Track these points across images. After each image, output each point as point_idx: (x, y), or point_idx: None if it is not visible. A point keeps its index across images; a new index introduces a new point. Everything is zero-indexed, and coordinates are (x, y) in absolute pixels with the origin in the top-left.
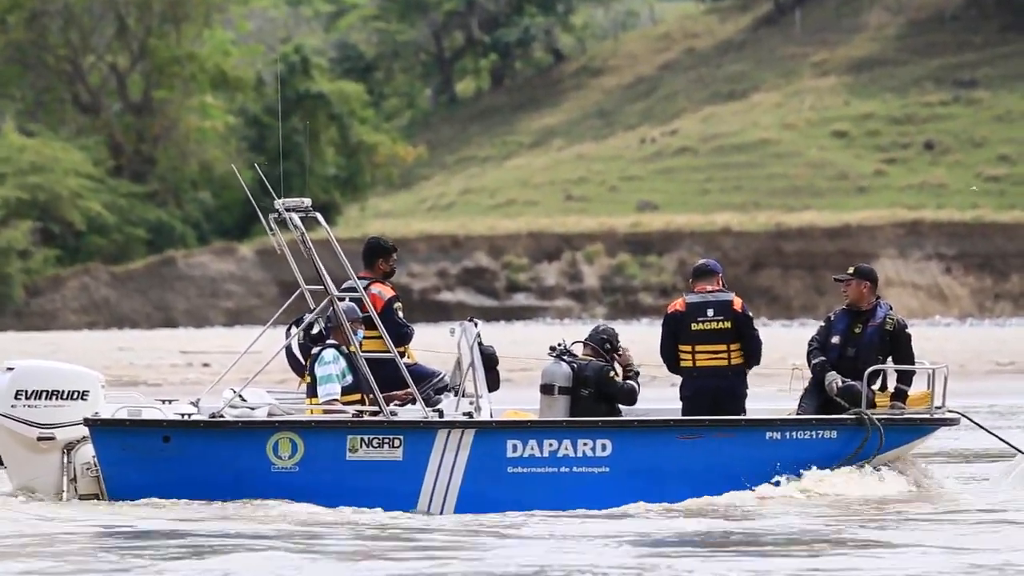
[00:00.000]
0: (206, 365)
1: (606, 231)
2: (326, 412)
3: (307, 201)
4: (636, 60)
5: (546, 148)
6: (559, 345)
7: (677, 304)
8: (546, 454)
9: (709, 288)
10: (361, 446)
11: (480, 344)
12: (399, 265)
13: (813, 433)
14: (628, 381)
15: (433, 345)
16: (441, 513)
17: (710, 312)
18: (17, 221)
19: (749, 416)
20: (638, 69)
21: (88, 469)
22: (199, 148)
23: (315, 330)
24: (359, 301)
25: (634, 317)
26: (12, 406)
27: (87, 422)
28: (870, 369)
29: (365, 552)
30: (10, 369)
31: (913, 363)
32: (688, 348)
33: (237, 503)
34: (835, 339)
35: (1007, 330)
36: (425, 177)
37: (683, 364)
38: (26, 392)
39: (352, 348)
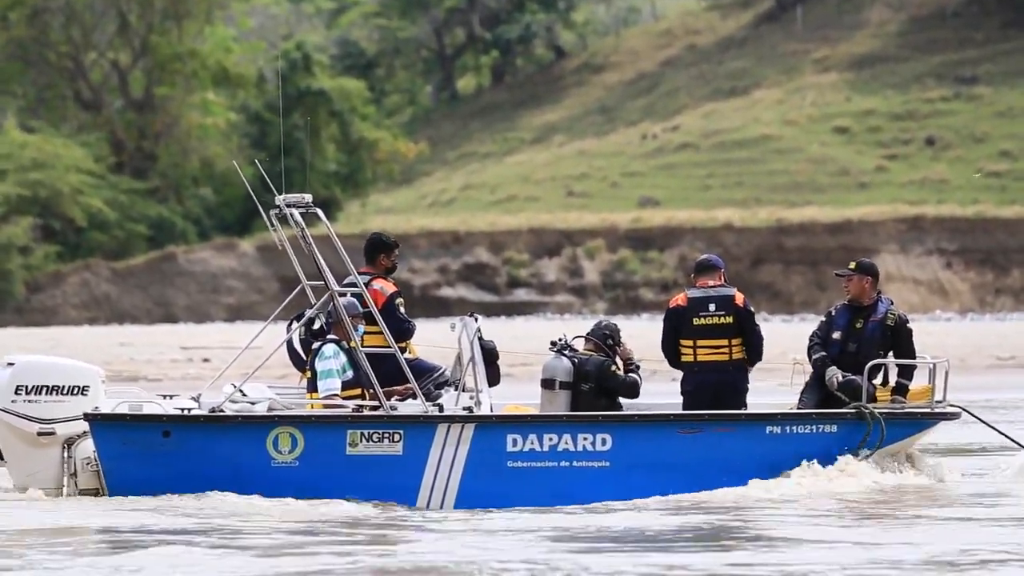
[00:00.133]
0: (206, 360)
1: (607, 227)
2: (326, 407)
3: (308, 197)
4: (637, 56)
5: (547, 144)
6: (560, 340)
7: (679, 299)
8: (546, 449)
9: (711, 283)
10: (361, 441)
11: (480, 339)
12: (400, 261)
13: (813, 427)
14: (630, 375)
15: (433, 340)
16: (441, 508)
17: (712, 307)
18: (18, 217)
19: (750, 411)
20: (639, 65)
21: (88, 464)
22: (200, 145)
23: (316, 325)
24: (360, 296)
25: (635, 313)
26: (12, 401)
27: (87, 417)
28: (871, 363)
29: (280, 546)
30: (11, 364)
31: (914, 358)
32: (689, 343)
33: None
34: (836, 335)
35: (1008, 325)
36: (426, 173)
37: (684, 359)
38: (26, 387)
39: (353, 343)
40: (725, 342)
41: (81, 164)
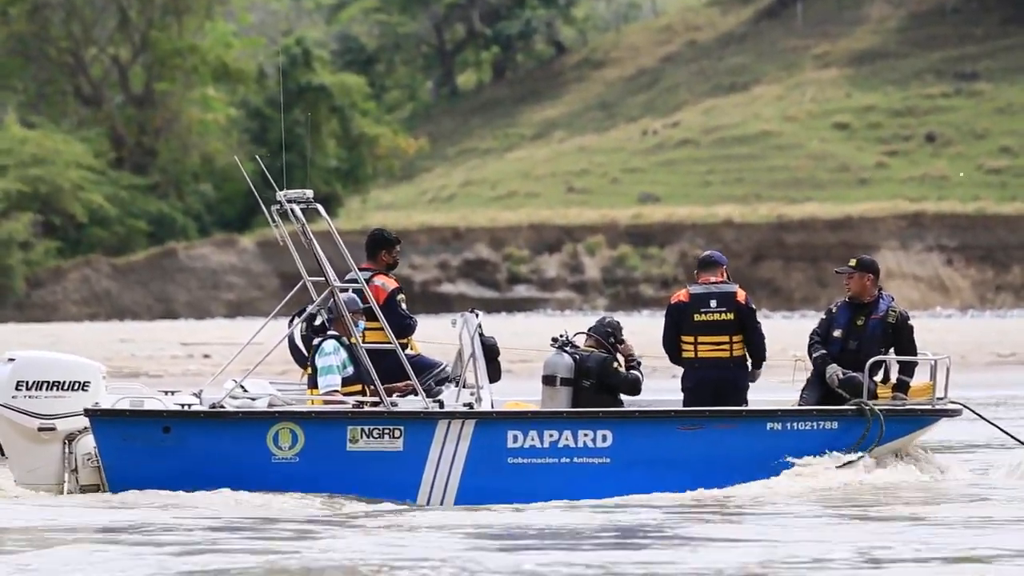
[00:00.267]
0: (207, 356)
1: (607, 223)
2: (326, 403)
3: (309, 193)
4: (638, 52)
5: (547, 140)
6: (561, 336)
7: (681, 295)
8: (547, 445)
9: (713, 279)
10: (361, 437)
11: (481, 335)
12: (401, 257)
13: (814, 424)
14: (632, 371)
15: (434, 336)
16: (442, 504)
17: (713, 303)
18: (18, 213)
19: (750, 407)
20: (640, 61)
21: (89, 460)
22: (200, 140)
23: (317, 321)
24: (360, 292)
25: (635, 309)
26: (13, 397)
27: (87, 412)
28: (871, 360)
29: (201, 545)
30: (11, 360)
31: (915, 355)
32: (690, 339)
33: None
34: (837, 332)
35: (1008, 321)
36: (426, 169)
37: (685, 355)
38: (27, 383)
39: (353, 339)
40: (726, 339)
41: (81, 160)
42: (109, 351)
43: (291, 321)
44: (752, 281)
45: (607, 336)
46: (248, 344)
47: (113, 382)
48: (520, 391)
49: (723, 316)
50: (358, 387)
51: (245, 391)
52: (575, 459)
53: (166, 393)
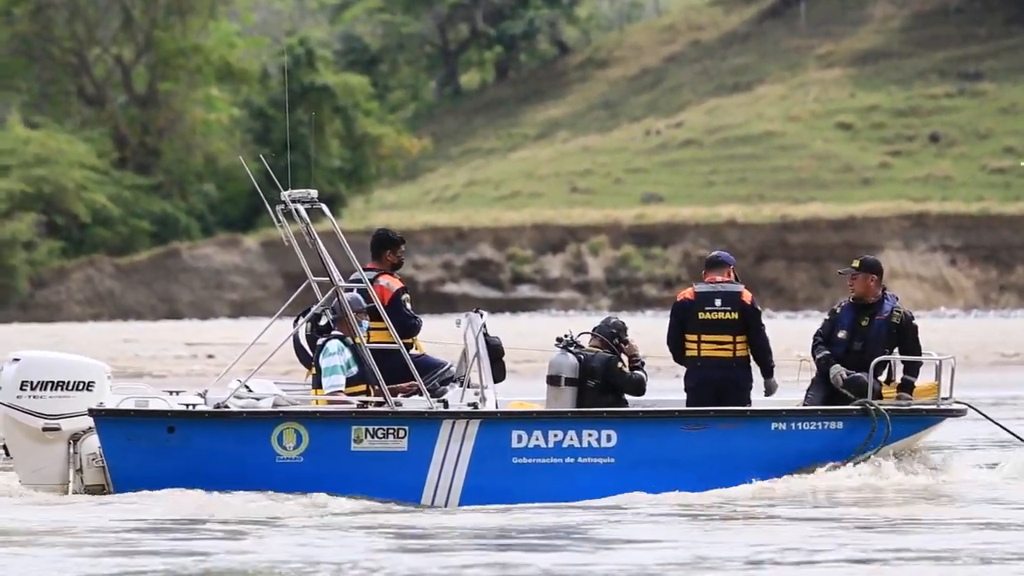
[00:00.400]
0: (211, 357)
1: (611, 223)
2: (331, 403)
3: (313, 193)
4: (641, 52)
5: (551, 140)
6: (566, 336)
7: (686, 293)
8: (551, 445)
9: (720, 279)
10: (366, 437)
11: (486, 335)
12: (405, 257)
13: (819, 424)
14: (636, 372)
15: (438, 336)
16: (446, 505)
17: (718, 302)
18: (22, 213)
19: (755, 407)
20: (643, 61)
21: (94, 459)
22: (204, 140)
23: (322, 321)
24: (365, 292)
25: (639, 309)
26: (18, 397)
27: (92, 412)
28: (876, 360)
29: (121, 547)
30: (16, 360)
31: (920, 355)
32: (694, 337)
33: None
34: (841, 333)
35: (1012, 321)
36: (430, 169)
37: (688, 354)
38: (32, 383)
39: (357, 339)
40: (729, 338)
41: (85, 160)
42: (113, 351)
43: (296, 321)
44: (756, 281)
45: (612, 336)
46: (253, 344)
47: (118, 382)
48: (524, 391)
49: (727, 315)
50: (362, 387)
51: (250, 391)
52: (579, 459)
53: (171, 393)
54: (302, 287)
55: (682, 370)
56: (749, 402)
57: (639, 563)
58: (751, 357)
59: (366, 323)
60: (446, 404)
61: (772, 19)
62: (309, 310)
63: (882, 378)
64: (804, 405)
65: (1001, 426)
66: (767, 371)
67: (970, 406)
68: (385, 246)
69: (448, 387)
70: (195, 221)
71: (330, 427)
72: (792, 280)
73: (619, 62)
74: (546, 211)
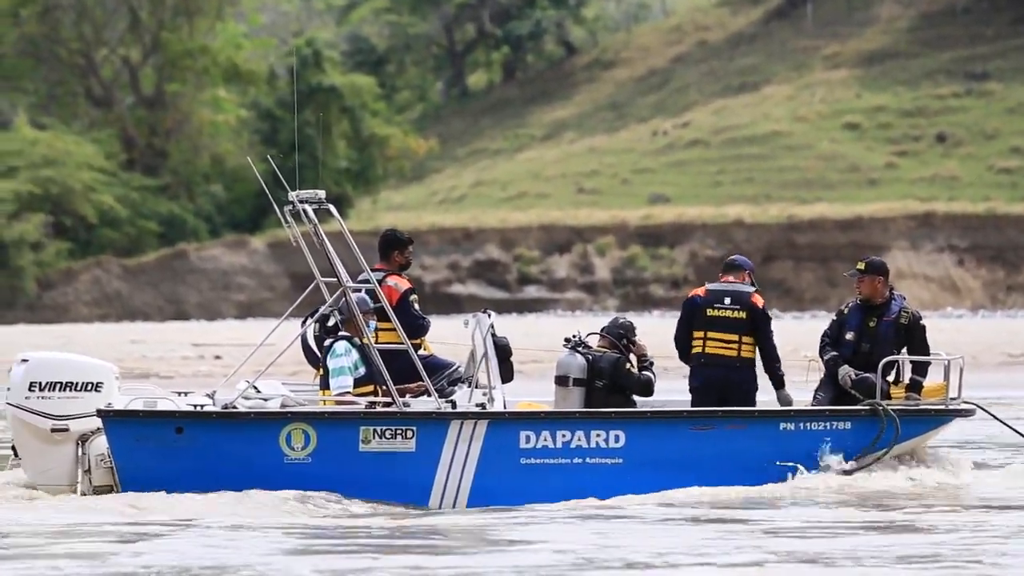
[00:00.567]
0: (218, 357)
1: (618, 223)
2: (338, 403)
3: (321, 193)
4: (648, 53)
5: (558, 141)
6: (574, 336)
7: (698, 291)
8: (559, 445)
9: (733, 280)
10: (374, 437)
11: (494, 335)
12: (413, 257)
13: (827, 424)
14: (644, 372)
15: (444, 337)
16: (454, 505)
17: (727, 300)
18: (29, 214)
19: (763, 407)
20: (650, 62)
21: (102, 460)
22: (211, 141)
23: (331, 322)
24: (372, 292)
25: (645, 309)
26: (26, 397)
27: (100, 413)
28: (884, 360)
29: (15, 551)
30: (24, 361)
31: (928, 355)
32: (700, 334)
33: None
34: (849, 335)
35: (1019, 322)
36: (437, 170)
37: (694, 350)
38: (40, 384)
39: (365, 340)
40: (735, 338)
41: (92, 161)
42: (120, 352)
43: (304, 322)
44: (763, 281)
45: (620, 337)
46: (261, 345)
47: (126, 383)
48: (531, 391)
49: (735, 314)
50: (370, 388)
51: (258, 392)
52: (587, 460)
53: (179, 394)
54: (310, 287)
55: (688, 371)
56: (754, 404)
57: (519, 564)
58: (756, 362)
59: (374, 323)
60: (454, 405)
61: (779, 20)
62: (317, 311)
63: (890, 378)
64: (812, 405)
65: (1009, 426)
66: (778, 382)
67: (979, 406)
68: (393, 247)
69: (456, 388)
70: (202, 222)
71: (338, 428)
72: (799, 280)
73: (626, 63)
74: (553, 212)
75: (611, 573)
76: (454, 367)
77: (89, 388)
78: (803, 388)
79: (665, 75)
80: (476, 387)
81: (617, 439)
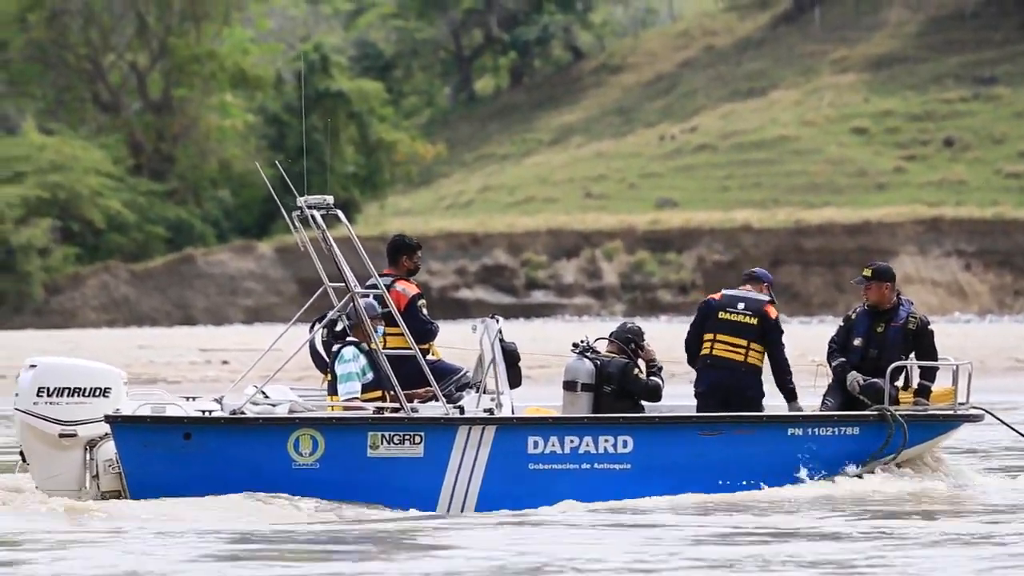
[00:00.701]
0: (225, 363)
1: (625, 228)
2: (347, 409)
3: (329, 199)
4: (655, 58)
5: (565, 145)
6: (582, 341)
7: (715, 295)
8: (567, 451)
9: (751, 289)
10: (382, 443)
11: (502, 341)
12: (421, 262)
13: (835, 429)
14: (652, 378)
15: (452, 343)
16: (462, 511)
17: (740, 305)
18: (37, 219)
19: (772, 412)
20: (657, 67)
21: (110, 466)
22: (218, 146)
23: (339, 327)
24: (380, 298)
25: (653, 314)
26: (34, 403)
27: (108, 419)
28: (893, 365)
29: None
30: (33, 366)
31: (936, 360)
32: (710, 336)
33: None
34: (857, 340)
35: None
36: (444, 175)
37: (702, 352)
38: (48, 389)
39: (373, 345)
40: (744, 343)
41: (100, 166)
42: (127, 357)
43: (312, 327)
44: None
45: (628, 342)
46: (269, 350)
47: (134, 388)
48: (539, 397)
49: (746, 319)
50: (378, 393)
51: (266, 397)
52: (596, 465)
53: (187, 399)
54: (318, 292)
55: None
56: (760, 411)
57: (430, 571)
58: (763, 371)
59: (382, 329)
60: (462, 410)
61: (786, 24)
62: (325, 316)
63: (899, 384)
64: (821, 411)
65: (1017, 431)
66: (789, 395)
67: (987, 411)
68: (401, 251)
69: (464, 393)
70: (210, 227)
71: (346, 433)
72: (807, 285)
73: (633, 68)
74: (560, 216)
75: None
76: (462, 372)
77: (97, 393)
78: (811, 393)
79: (673, 80)
80: (484, 392)
81: (625, 444)
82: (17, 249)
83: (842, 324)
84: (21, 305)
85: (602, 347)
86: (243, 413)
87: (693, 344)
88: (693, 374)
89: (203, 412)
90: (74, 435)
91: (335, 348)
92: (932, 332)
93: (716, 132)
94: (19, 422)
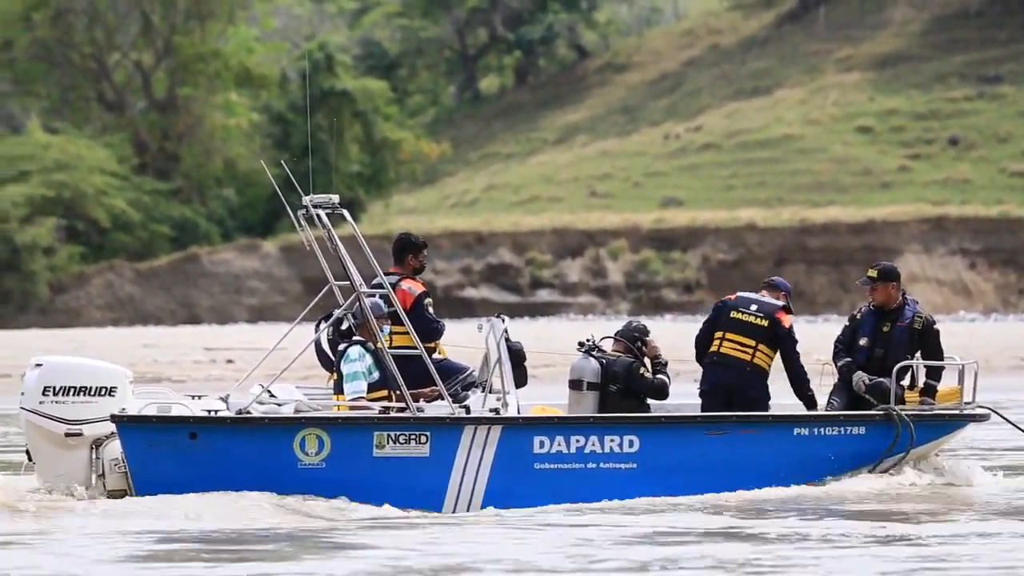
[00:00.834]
0: (230, 362)
1: (630, 227)
2: (352, 408)
3: (335, 198)
4: (660, 56)
5: (570, 144)
6: (588, 340)
7: (731, 295)
8: (573, 450)
9: (767, 295)
10: (388, 442)
11: (508, 340)
12: (427, 261)
13: (841, 429)
14: (659, 375)
15: (457, 341)
16: (468, 510)
17: (753, 307)
18: (42, 218)
19: (777, 412)
20: (662, 65)
21: (116, 465)
22: (223, 145)
23: (344, 326)
24: (386, 297)
25: (657, 313)
26: (40, 402)
27: (114, 418)
28: (899, 365)
29: None
30: (39, 365)
31: (942, 359)
32: (720, 334)
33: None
34: (863, 340)
35: None
36: (449, 174)
37: (710, 350)
38: (54, 388)
39: (379, 344)
40: (752, 343)
41: (104, 165)
42: (132, 356)
43: (317, 326)
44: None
45: (634, 341)
46: (274, 349)
47: (139, 387)
48: (543, 395)
49: (757, 320)
50: (384, 392)
51: (272, 396)
52: (602, 464)
53: (193, 398)
54: (323, 291)
55: (700, 374)
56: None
57: (332, 571)
58: (768, 373)
59: (387, 328)
60: (468, 409)
61: (791, 23)
62: (331, 314)
63: (905, 383)
64: (827, 410)
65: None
66: (810, 403)
67: (993, 410)
68: (407, 250)
69: (470, 392)
70: (214, 226)
71: (352, 433)
72: (812, 284)
73: (638, 66)
74: (565, 215)
75: None
76: (468, 371)
77: (103, 392)
78: (817, 392)
79: (677, 79)
80: (490, 392)
81: (631, 444)
82: (22, 248)
83: (847, 323)
84: (26, 304)
85: (608, 346)
86: (249, 412)
87: (703, 342)
88: (697, 373)
89: (209, 411)
90: (80, 434)
91: (341, 347)
92: (938, 331)
93: (721, 131)
94: (25, 421)
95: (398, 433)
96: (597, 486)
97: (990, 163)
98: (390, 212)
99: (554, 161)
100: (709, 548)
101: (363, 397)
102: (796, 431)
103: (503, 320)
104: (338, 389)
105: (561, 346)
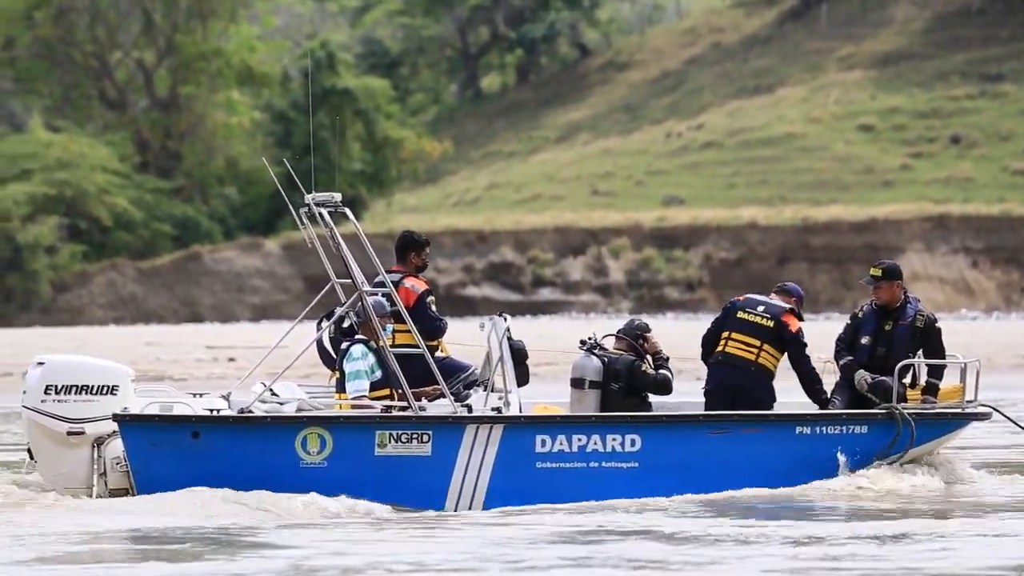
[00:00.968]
0: (232, 360)
1: (632, 226)
2: (354, 407)
3: (337, 196)
4: (662, 55)
5: (572, 143)
6: (590, 339)
7: (740, 296)
8: (575, 449)
9: (777, 299)
10: (390, 441)
11: (510, 339)
12: (429, 259)
13: (843, 428)
14: (661, 371)
15: (458, 340)
16: (470, 509)
17: (760, 308)
18: (44, 217)
19: (779, 411)
20: (664, 64)
21: (118, 464)
22: (225, 144)
23: (346, 324)
24: (389, 296)
25: (660, 311)
26: (42, 401)
27: (116, 417)
28: (901, 363)
29: None
30: (41, 364)
31: (944, 357)
32: (726, 334)
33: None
34: (865, 339)
35: None
36: (451, 172)
37: (716, 349)
38: (56, 387)
39: (381, 343)
40: (757, 343)
41: (106, 163)
42: (134, 355)
43: (319, 324)
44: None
45: (636, 338)
46: (276, 347)
47: (141, 385)
48: (545, 394)
49: (763, 321)
50: (386, 391)
51: (274, 395)
52: (604, 464)
53: (195, 396)
54: (325, 289)
55: (703, 373)
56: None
57: (246, 570)
58: (773, 374)
59: (390, 326)
60: (470, 408)
61: (793, 21)
62: (333, 312)
63: (906, 381)
64: (828, 409)
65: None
66: (824, 405)
67: (995, 409)
68: (410, 248)
69: (472, 391)
70: (216, 224)
71: (354, 432)
72: (814, 282)
73: (640, 65)
74: (567, 214)
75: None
76: (471, 370)
77: (105, 391)
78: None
79: (679, 77)
80: (492, 391)
81: (633, 443)
82: (24, 247)
83: (849, 322)
84: (28, 303)
85: (610, 344)
86: (251, 411)
87: (710, 341)
88: (699, 371)
89: (211, 410)
90: (82, 433)
91: (343, 346)
92: (940, 330)
93: (723, 129)
94: (27, 420)
95: (400, 432)
96: (599, 485)
97: (992, 161)
98: (392, 210)
99: (556, 159)
100: (709, 548)
101: (365, 396)
102: (798, 430)
103: (505, 318)
104: (340, 388)
105: (563, 344)
